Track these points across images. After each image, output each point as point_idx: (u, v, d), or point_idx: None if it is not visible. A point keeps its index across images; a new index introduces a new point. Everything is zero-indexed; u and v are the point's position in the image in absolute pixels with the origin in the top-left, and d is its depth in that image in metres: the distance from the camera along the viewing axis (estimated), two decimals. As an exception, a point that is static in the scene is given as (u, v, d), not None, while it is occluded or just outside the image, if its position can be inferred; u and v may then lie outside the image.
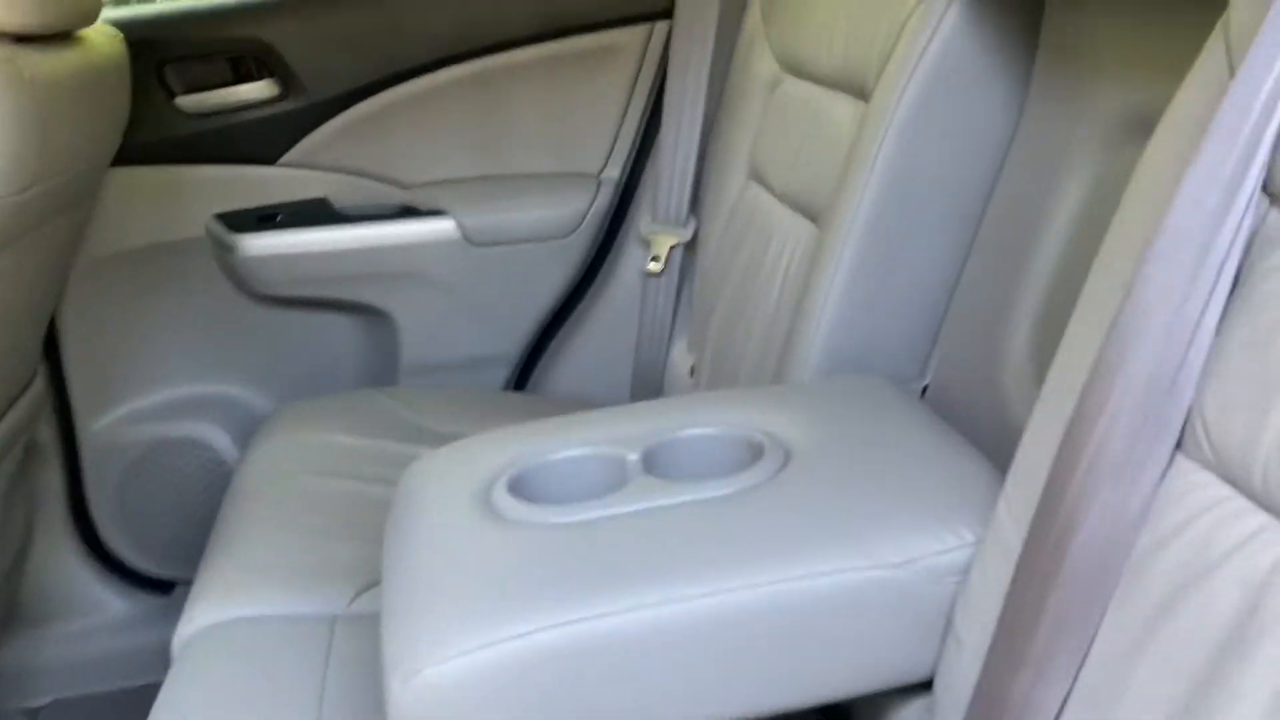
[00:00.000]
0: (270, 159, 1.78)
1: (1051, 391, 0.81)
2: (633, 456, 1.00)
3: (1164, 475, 0.70)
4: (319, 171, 1.79)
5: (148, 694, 1.15)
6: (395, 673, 0.82)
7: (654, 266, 1.74)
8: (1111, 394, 0.69)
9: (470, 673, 0.81)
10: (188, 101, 1.75)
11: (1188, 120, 0.73)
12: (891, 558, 0.86)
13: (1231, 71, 0.70)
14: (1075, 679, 0.73)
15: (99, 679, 1.83)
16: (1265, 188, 0.68)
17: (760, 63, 1.59)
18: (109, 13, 1.67)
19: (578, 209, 1.82)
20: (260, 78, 1.77)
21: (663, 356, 1.78)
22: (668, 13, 1.79)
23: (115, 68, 1.51)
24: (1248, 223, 0.67)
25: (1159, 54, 0.98)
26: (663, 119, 1.74)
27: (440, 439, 1.57)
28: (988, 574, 0.83)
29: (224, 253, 1.77)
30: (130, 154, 1.68)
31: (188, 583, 1.36)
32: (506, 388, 1.91)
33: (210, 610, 1.25)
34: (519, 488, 0.98)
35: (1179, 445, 0.70)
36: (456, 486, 1.00)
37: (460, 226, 1.80)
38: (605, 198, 1.83)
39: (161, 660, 1.26)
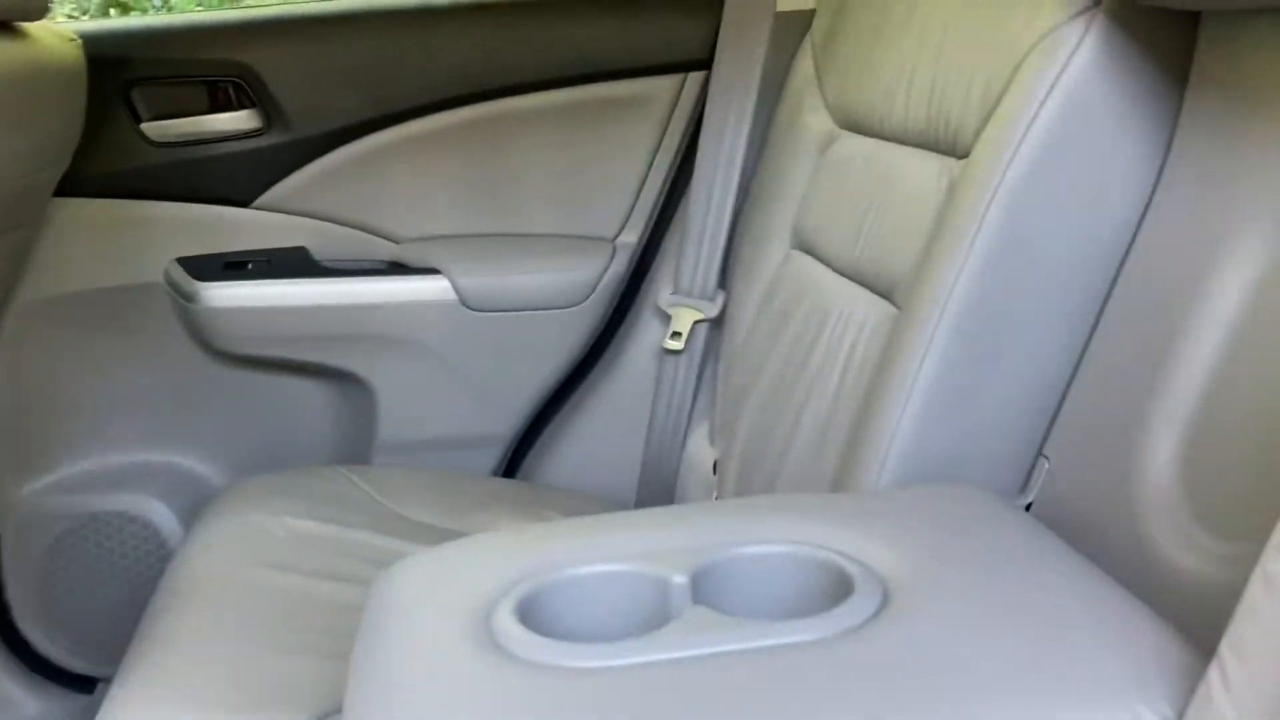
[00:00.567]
0: (244, 200, 1.69)
1: None
2: (679, 579, 0.81)
3: None
4: (299, 217, 1.70)
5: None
6: None
7: (674, 344, 1.61)
8: None
9: None
10: (155, 129, 1.67)
11: None
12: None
13: None
14: None
15: (6, 789, 1.70)
16: None
17: (811, 117, 1.44)
18: (74, 24, 1.62)
19: (589, 276, 1.69)
20: (239, 107, 1.68)
21: (678, 447, 1.63)
22: (704, 63, 1.67)
23: (68, 73, 1.41)
24: None
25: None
26: (693, 180, 1.62)
27: (420, 530, 1.43)
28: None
29: (183, 301, 1.67)
30: (84, 183, 1.61)
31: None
32: (494, 474, 1.78)
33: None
34: (530, 613, 0.79)
35: None
36: (448, 604, 0.82)
37: (455, 288, 1.68)
38: (620, 264, 1.71)
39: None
